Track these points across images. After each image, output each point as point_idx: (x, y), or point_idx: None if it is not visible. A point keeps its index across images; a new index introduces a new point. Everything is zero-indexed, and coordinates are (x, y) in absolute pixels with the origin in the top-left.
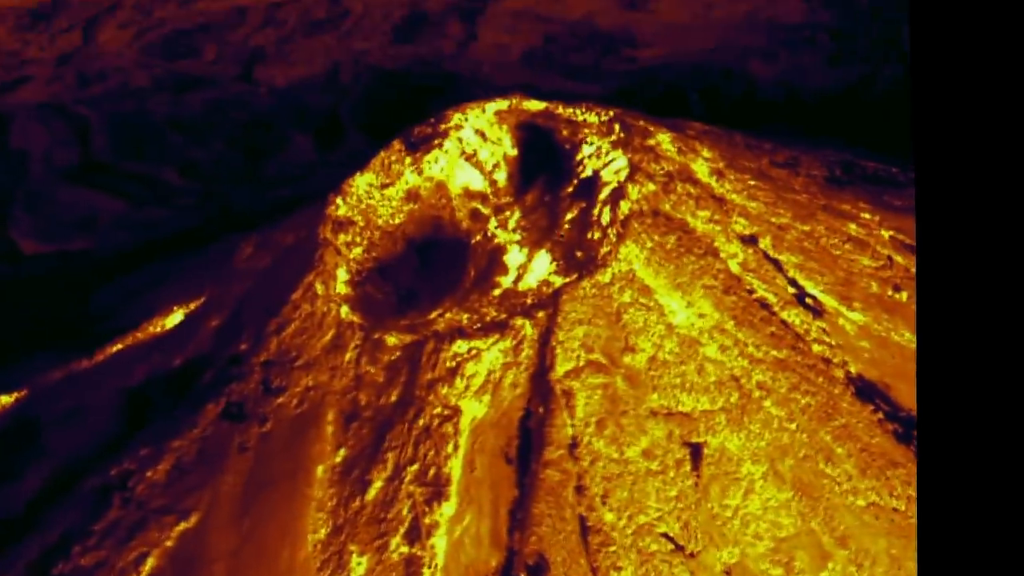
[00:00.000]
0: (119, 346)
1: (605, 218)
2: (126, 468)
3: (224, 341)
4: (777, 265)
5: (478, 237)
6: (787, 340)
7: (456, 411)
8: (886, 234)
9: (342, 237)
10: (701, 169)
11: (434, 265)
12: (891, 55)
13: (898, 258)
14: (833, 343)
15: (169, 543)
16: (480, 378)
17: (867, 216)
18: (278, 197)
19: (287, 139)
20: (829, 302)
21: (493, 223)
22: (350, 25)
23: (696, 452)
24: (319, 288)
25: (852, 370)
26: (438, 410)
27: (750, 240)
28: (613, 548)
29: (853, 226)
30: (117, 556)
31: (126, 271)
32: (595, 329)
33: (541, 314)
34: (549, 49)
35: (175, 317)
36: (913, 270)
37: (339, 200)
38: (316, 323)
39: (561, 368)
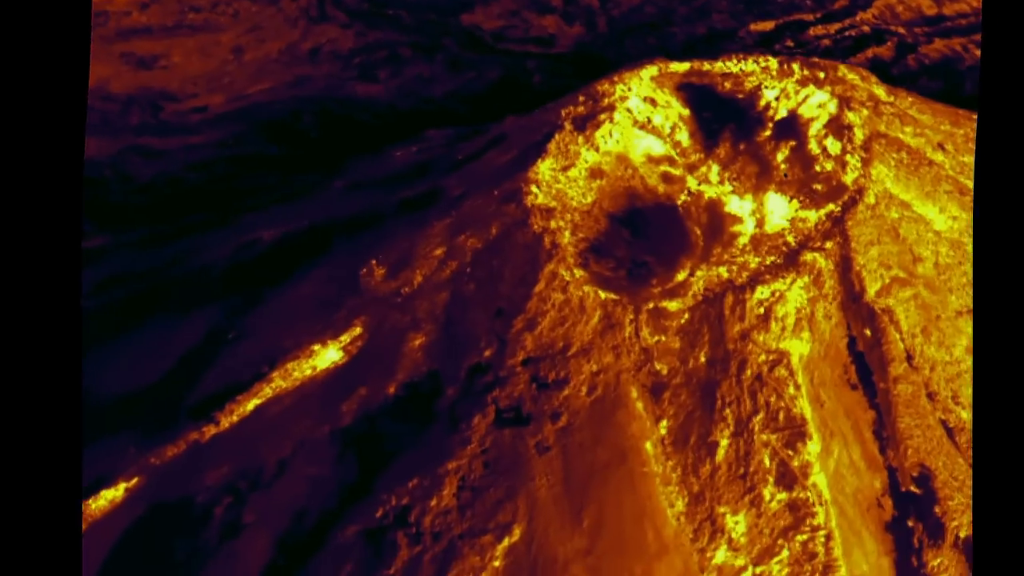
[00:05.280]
0: (256, 401)
1: (833, 148)
2: (396, 505)
3: (448, 355)
4: (969, 168)
5: (683, 197)
6: None
7: (783, 353)
8: None
9: (553, 223)
10: (880, 91)
11: (647, 234)
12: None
13: None
14: None
15: (497, 563)
16: (792, 317)
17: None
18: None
19: None
20: None
21: (692, 181)
22: None
23: None
24: (564, 274)
25: None
26: (763, 357)
27: (941, 147)
28: None
29: None
30: None
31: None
32: (885, 247)
33: (829, 244)
34: (113, 115)
35: (329, 354)
36: None
37: (534, 188)
38: (575, 309)
39: (872, 289)
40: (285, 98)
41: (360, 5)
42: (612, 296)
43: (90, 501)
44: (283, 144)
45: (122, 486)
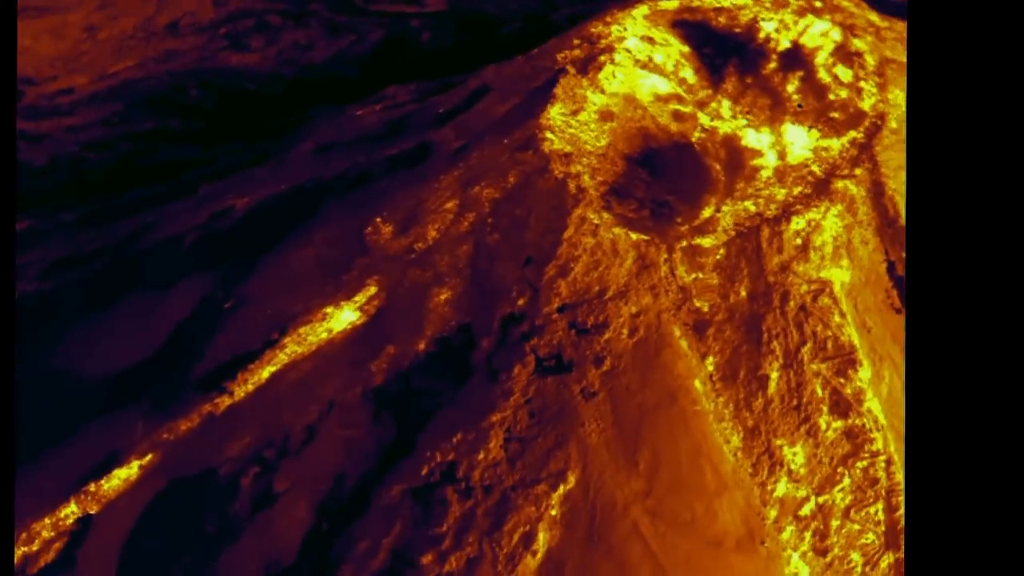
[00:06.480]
0: (271, 369)
1: (845, 76)
2: (442, 461)
3: (479, 307)
4: None
5: (698, 134)
6: None
7: (825, 282)
8: None
9: (573, 168)
10: (874, 17)
11: (666, 173)
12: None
13: None
14: None
15: (554, 511)
16: (830, 246)
17: None
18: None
19: None
20: None
21: (704, 118)
22: None
23: None
24: (593, 218)
25: None
26: (805, 288)
27: None
28: None
29: None
30: (492, 545)
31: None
32: None
33: (859, 171)
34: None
35: (344, 315)
36: None
37: (549, 134)
38: (608, 252)
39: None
40: (158, 74)
41: None
42: (643, 237)
43: (102, 481)
44: (181, 118)
45: (135, 464)
